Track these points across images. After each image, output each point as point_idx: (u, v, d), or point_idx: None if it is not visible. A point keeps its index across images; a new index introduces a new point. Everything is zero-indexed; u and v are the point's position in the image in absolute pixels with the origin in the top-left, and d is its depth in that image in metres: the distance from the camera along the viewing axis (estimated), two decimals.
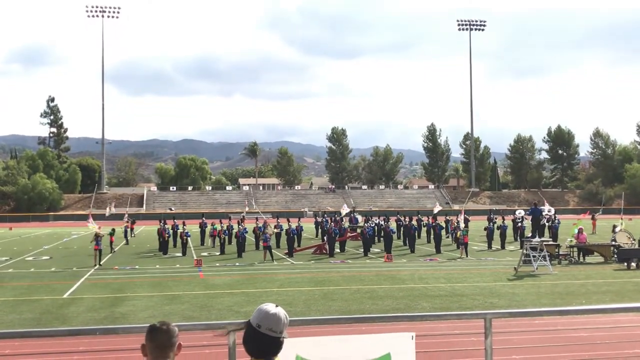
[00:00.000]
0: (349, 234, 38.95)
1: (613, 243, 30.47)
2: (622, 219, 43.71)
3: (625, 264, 26.76)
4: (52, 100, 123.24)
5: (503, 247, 37.51)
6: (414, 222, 39.62)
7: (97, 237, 29.63)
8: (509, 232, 41.15)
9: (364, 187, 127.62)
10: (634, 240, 30.83)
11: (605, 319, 13.37)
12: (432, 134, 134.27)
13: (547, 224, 38.75)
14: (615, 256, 28.80)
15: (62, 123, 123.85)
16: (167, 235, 36.24)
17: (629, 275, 24.28)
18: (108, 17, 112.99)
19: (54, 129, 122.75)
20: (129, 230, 46.64)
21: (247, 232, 35.57)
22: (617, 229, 32.55)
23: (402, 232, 41.84)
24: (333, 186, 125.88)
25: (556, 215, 41.30)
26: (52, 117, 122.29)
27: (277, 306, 3.83)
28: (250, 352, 3.77)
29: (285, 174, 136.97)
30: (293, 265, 29.14)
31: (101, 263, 28.83)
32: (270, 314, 3.76)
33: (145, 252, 36.60)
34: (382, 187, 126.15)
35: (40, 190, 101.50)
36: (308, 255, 33.86)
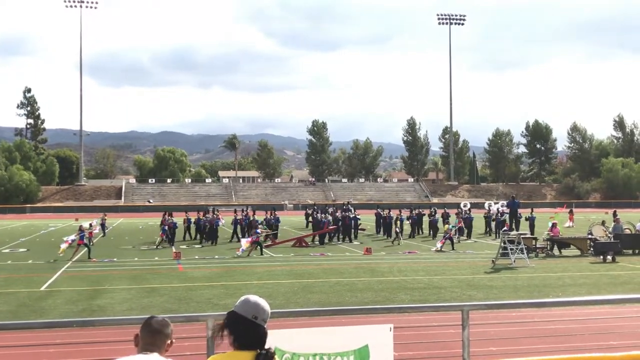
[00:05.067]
0: (328, 227, 38.97)
1: (590, 236, 30.81)
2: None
3: (601, 257, 27.07)
4: (29, 91, 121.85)
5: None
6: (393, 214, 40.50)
7: (82, 231, 29.29)
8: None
9: (344, 180, 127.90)
10: (610, 233, 31.20)
11: (582, 311, 13.53)
12: (411, 127, 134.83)
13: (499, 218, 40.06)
14: (592, 249, 29.14)
15: (39, 114, 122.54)
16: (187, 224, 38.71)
17: (605, 268, 24.58)
18: (86, 7, 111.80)
19: (30, 120, 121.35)
20: (105, 223, 46.15)
21: (219, 223, 37.81)
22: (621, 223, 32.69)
23: (381, 224, 42.47)
24: (313, 179, 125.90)
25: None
26: (28, 108, 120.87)
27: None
28: (243, 344, 3.69)
29: (266, 166, 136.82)
30: (272, 257, 29.13)
31: (90, 256, 28.34)
32: (256, 303, 3.76)
33: (124, 245, 36.37)
34: (362, 180, 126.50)
35: (17, 182, 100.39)
36: (288, 248, 33.85)
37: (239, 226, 38.73)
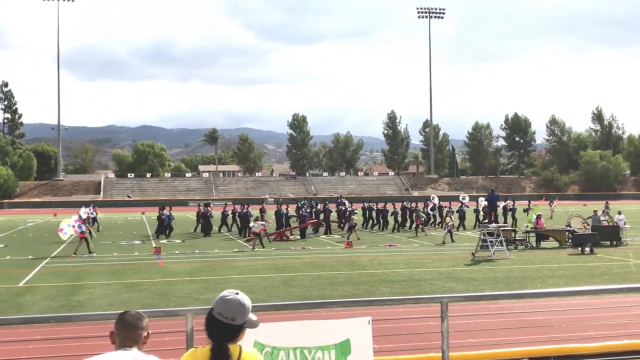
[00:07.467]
0: (309, 221, 39.03)
1: (568, 228, 31.09)
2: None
3: (579, 248, 27.34)
4: (6, 85, 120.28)
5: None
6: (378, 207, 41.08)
7: (82, 222, 28.71)
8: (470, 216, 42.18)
9: (325, 174, 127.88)
10: (588, 225, 31.51)
11: (560, 302, 13.66)
12: (392, 121, 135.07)
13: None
14: (570, 241, 29.41)
15: (16, 109, 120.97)
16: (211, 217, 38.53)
17: (583, 260, 24.84)
18: (63, 0, 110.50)
19: (7, 115, 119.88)
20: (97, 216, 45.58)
21: (212, 216, 38.77)
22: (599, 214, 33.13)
23: (379, 217, 42.71)
24: (294, 173, 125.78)
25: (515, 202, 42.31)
26: (5, 102, 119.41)
27: (237, 293, 3.78)
28: (207, 335, 3.78)
29: (246, 160, 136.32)
30: (253, 252, 29.09)
31: (75, 252, 27.78)
32: (224, 299, 3.73)
33: (103, 240, 36.08)
34: (342, 173, 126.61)
35: None
36: (268, 242, 33.77)
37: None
